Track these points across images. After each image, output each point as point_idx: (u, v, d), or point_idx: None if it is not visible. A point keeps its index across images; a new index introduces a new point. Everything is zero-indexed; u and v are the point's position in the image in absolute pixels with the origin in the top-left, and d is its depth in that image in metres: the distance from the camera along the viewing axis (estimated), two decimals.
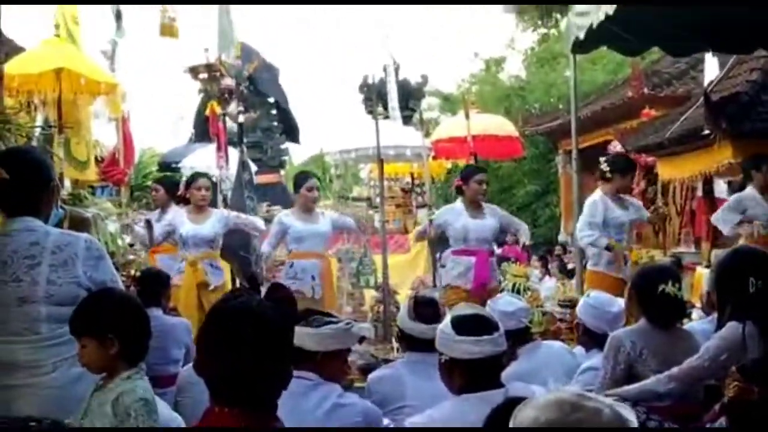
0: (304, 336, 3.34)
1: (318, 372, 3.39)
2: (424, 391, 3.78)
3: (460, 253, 7.63)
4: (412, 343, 4.13)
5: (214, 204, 9.13)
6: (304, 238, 7.71)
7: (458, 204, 7.80)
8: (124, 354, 3.09)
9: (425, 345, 3.93)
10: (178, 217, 7.94)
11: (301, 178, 8.15)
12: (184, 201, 7.97)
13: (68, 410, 3.13)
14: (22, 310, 3.31)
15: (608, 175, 7.57)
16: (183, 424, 3.85)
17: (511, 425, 1.70)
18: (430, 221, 7.89)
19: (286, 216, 7.92)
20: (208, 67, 10.15)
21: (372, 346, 8.25)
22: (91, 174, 9.32)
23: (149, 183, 22.18)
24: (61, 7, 8.59)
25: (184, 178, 8.45)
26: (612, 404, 1.68)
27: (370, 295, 9.98)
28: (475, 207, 7.62)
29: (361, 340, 3.72)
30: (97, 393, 3.09)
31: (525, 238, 8.18)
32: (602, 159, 7.85)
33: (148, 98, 27.76)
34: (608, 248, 7.33)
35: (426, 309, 4.17)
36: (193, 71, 10.31)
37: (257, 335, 2.21)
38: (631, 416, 1.67)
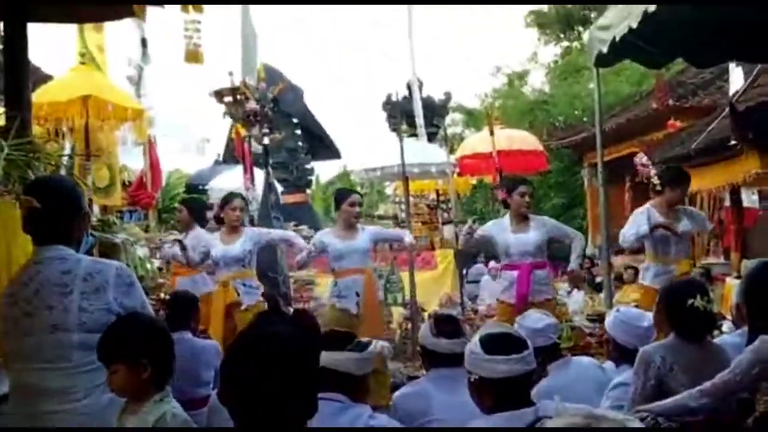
0: (348, 361, 3.41)
1: (348, 394, 3.40)
2: (449, 404, 3.79)
3: (505, 268, 7.62)
4: (435, 360, 4.13)
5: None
6: (344, 256, 7.68)
7: (505, 218, 7.75)
8: (155, 378, 3.12)
9: (448, 360, 3.97)
10: (209, 239, 7.98)
11: (344, 193, 8.11)
12: (219, 221, 7.98)
13: None
14: (55, 337, 3.33)
15: (658, 187, 7.49)
16: None
17: None
18: (474, 221, 7.82)
19: (325, 235, 7.91)
20: (233, 91, 10.21)
21: (401, 363, 8.27)
22: (116, 199, 9.41)
23: (176, 205, 22.47)
24: (85, 35, 8.71)
25: (210, 200, 8.51)
26: (624, 419, 1.68)
27: (398, 312, 10.01)
28: (520, 220, 7.51)
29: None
30: (128, 417, 3.11)
31: (578, 250, 7.89)
32: (653, 173, 7.73)
33: (173, 121, 28.00)
34: (653, 229, 7.22)
35: (447, 325, 4.17)
36: (218, 95, 10.38)
37: (283, 363, 2.19)
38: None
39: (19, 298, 3.42)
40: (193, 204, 8.94)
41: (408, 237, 8.29)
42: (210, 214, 8.84)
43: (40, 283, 3.39)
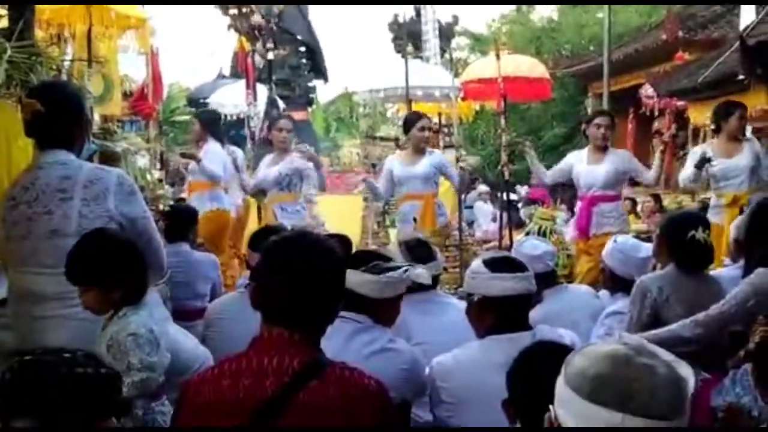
0: (364, 282, 3.30)
1: (371, 316, 3.33)
2: (427, 327, 3.82)
3: (579, 200, 7.62)
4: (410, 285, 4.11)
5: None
6: (403, 181, 7.65)
7: (585, 149, 7.66)
8: (128, 293, 3.13)
9: (421, 285, 3.87)
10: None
11: (414, 117, 7.95)
12: (267, 143, 7.90)
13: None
14: (53, 242, 3.34)
15: (713, 127, 7.37)
16: (210, 358, 3.90)
17: (563, 371, 1.66)
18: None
19: (389, 160, 7.87)
20: (238, 3, 10.08)
21: None
22: (113, 108, 9.33)
23: (177, 118, 22.35)
24: None
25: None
26: (671, 362, 1.62)
27: (394, 233, 10.03)
28: (596, 151, 7.40)
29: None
30: (105, 330, 3.14)
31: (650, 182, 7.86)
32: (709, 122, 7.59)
33: (177, 34, 27.69)
34: (701, 163, 6.98)
35: (419, 250, 4.14)
36: (223, 7, 10.24)
37: (321, 258, 2.29)
38: (690, 376, 1.62)
39: (20, 201, 3.42)
40: (206, 116, 8.78)
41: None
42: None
43: (40, 188, 3.39)
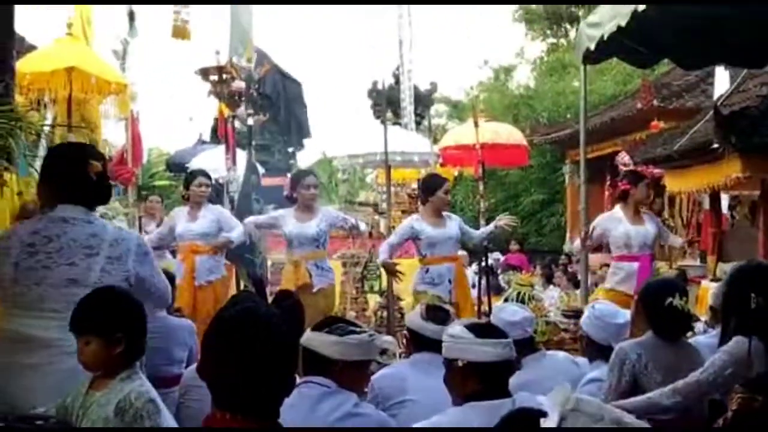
0: (327, 344, 3.34)
1: (337, 380, 3.34)
2: (425, 386, 3.80)
3: (622, 259, 7.70)
4: (420, 344, 4.13)
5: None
6: (437, 244, 7.65)
7: (615, 211, 7.81)
8: (127, 354, 3.10)
9: (432, 345, 3.95)
10: (284, 215, 7.86)
11: (438, 180, 8.03)
12: (292, 201, 7.88)
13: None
14: (69, 290, 3.44)
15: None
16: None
17: None
18: (591, 229, 7.81)
19: (417, 222, 7.79)
20: (219, 69, 10.14)
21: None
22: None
23: (156, 182, 22.34)
24: (78, 7, 8.63)
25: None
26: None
27: (374, 300, 9.99)
28: (635, 213, 7.66)
29: (383, 352, 3.67)
30: (94, 392, 3.08)
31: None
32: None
33: (157, 99, 27.83)
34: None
35: (437, 313, 4.20)
36: (204, 73, 10.29)
37: (263, 342, 2.18)
38: None
39: (40, 249, 3.53)
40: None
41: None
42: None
43: (66, 242, 3.54)
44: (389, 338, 3.54)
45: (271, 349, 2.19)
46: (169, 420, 3.10)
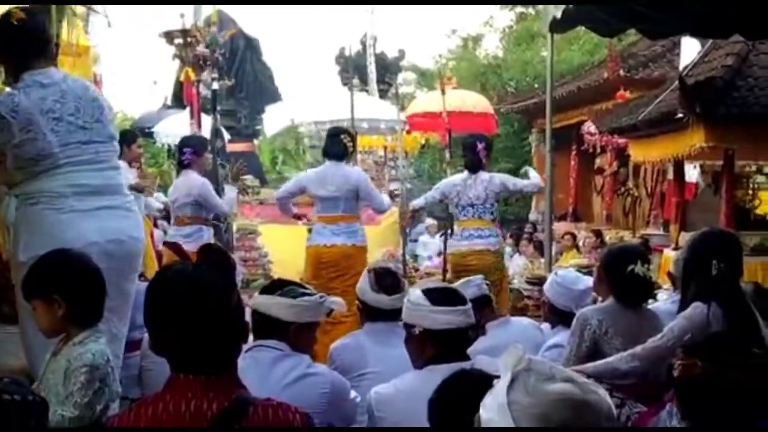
0: (280, 306, 3.36)
1: (289, 343, 3.37)
2: (384, 357, 3.82)
3: None
4: (373, 314, 4.13)
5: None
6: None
7: None
8: (73, 316, 3.06)
9: (386, 315, 4.00)
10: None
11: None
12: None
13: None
14: None
15: None
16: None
17: (503, 403, 1.67)
18: None
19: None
20: (184, 33, 10.00)
21: None
22: None
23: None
24: None
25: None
26: (597, 389, 1.69)
27: None
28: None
29: (330, 312, 3.68)
30: (53, 358, 3.07)
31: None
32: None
33: (121, 63, 27.46)
34: None
35: (387, 279, 4.16)
36: (168, 36, 10.14)
37: (199, 301, 2.15)
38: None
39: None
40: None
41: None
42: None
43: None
44: (337, 299, 3.56)
45: (209, 306, 2.16)
46: (112, 387, 3.03)
